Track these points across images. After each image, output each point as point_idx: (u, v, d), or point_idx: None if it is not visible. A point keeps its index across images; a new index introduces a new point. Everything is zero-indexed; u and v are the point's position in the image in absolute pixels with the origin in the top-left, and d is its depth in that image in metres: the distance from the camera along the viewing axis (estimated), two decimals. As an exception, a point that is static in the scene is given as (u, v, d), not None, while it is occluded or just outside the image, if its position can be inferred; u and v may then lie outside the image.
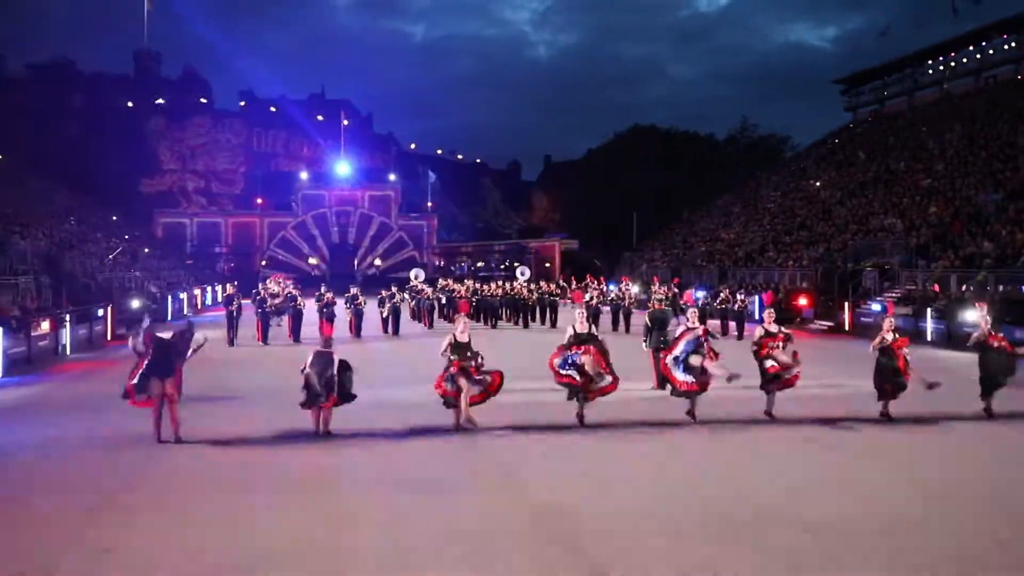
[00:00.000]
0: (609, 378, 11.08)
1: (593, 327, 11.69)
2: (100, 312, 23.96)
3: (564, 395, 11.33)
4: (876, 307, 25.57)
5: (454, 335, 10.96)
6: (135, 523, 7.18)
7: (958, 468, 9.29)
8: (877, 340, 11.83)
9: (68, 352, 20.55)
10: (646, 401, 12.44)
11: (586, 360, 10.88)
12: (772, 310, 12.48)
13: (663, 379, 12.50)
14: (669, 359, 11.40)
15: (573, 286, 32.60)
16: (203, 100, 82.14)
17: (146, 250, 49.75)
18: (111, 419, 11.44)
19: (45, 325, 19.90)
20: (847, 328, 26.95)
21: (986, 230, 28.34)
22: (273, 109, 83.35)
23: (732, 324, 25.33)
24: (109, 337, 23.76)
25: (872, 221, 35.65)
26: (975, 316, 12.40)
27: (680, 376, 11.29)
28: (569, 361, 10.99)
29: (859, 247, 33.20)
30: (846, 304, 27.89)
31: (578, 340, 11.14)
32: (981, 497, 8.06)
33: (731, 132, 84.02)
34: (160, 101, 79.18)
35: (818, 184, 46.71)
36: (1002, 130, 38.02)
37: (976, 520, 7.33)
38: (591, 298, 27.93)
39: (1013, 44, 45.51)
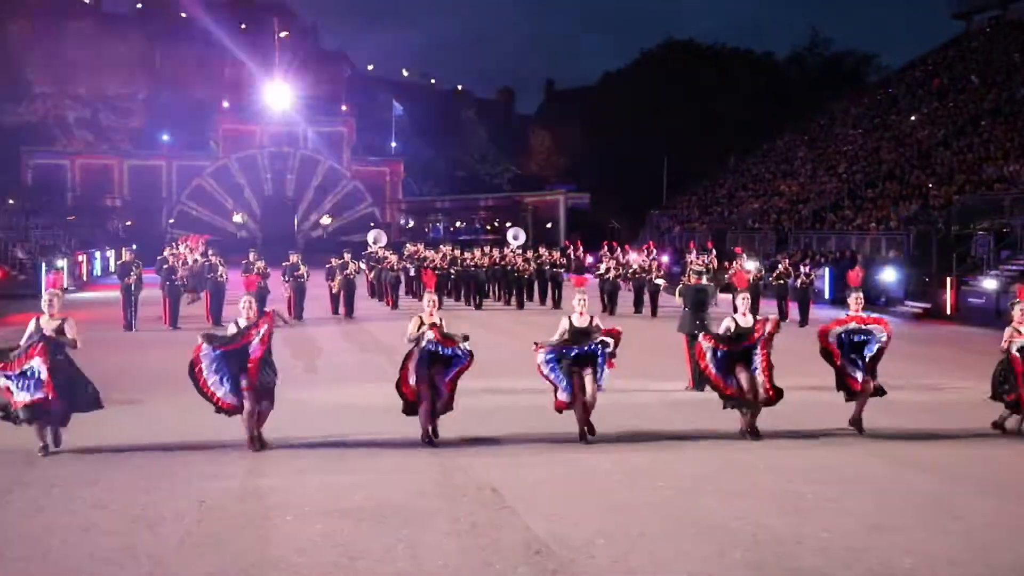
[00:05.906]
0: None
1: (595, 319, 11.61)
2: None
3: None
4: (991, 285, 25.67)
5: (421, 317, 11.13)
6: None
7: None
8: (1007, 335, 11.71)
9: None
10: (679, 405, 12.52)
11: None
12: (859, 294, 12.31)
13: (701, 377, 12.55)
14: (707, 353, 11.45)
15: (575, 257, 32.29)
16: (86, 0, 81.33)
17: (10, 201, 49.40)
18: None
19: None
20: (949, 312, 27.06)
21: None
22: (183, 15, 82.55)
23: (793, 306, 25.51)
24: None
25: (987, 169, 35.73)
26: None
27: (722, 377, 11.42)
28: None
29: (968, 204, 33.30)
30: (948, 280, 27.97)
31: (573, 338, 11.27)
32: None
33: (796, 50, 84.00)
34: (26, -1, 78.28)
35: (913, 119, 46.71)
36: None
37: None
38: (607, 271, 28.03)
39: None
